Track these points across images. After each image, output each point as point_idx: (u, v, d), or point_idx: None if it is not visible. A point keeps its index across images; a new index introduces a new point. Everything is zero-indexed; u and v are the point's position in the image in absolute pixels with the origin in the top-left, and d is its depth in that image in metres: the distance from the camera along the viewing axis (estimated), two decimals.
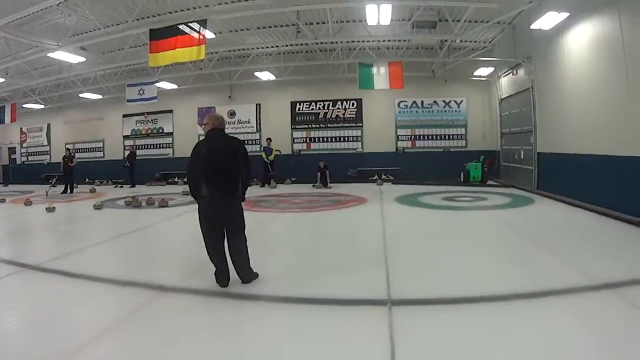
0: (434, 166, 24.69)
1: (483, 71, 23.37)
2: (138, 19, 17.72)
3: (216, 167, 7.09)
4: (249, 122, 28.77)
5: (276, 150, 24.83)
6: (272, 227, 12.86)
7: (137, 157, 28.41)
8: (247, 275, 7.37)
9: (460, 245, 9.85)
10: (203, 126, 7.73)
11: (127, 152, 29.22)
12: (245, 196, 7.53)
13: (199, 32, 15.34)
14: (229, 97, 28.77)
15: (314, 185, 22.72)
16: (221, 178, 7.13)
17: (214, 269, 7.28)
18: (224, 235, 7.28)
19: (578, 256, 8.31)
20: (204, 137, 7.64)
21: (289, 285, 7.30)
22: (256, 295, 6.87)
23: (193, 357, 5.04)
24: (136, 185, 27.08)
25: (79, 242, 11.87)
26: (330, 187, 22.23)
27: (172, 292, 7.11)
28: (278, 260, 9.11)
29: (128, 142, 31.91)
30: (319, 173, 22.80)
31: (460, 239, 10.49)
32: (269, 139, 24.86)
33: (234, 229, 7.32)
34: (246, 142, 26.89)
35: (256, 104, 28.57)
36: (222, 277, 7.21)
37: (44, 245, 12.09)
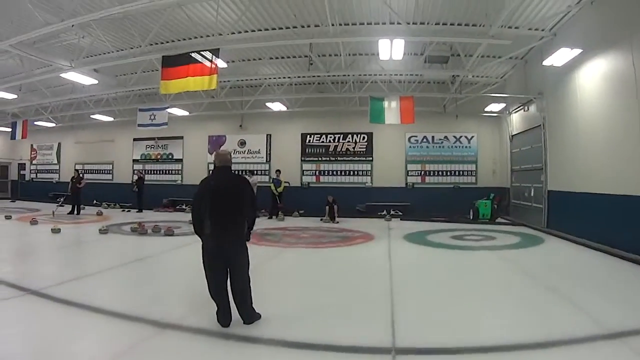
0: (443, 202, 24.43)
1: (494, 107, 23.18)
2: (151, 44, 17.85)
3: (220, 206, 7.08)
4: (259, 152, 28.73)
5: (285, 182, 24.81)
6: (277, 263, 12.65)
7: (145, 182, 28.34)
8: (250, 316, 7.23)
9: (469, 289, 9.62)
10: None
11: (135, 177, 29.04)
12: (251, 234, 7.54)
13: (211, 61, 15.24)
14: (240, 126, 28.85)
15: (321, 219, 22.54)
16: (225, 217, 7.09)
17: (216, 307, 7.16)
18: (227, 274, 7.18)
19: (590, 301, 8.12)
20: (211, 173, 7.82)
21: (291, 327, 7.10)
22: (257, 338, 6.68)
23: None
24: (143, 210, 27.00)
25: (82, 268, 11.77)
26: (338, 222, 22.00)
27: (172, 330, 6.97)
28: (281, 299, 8.89)
29: (137, 166, 32.00)
30: (327, 207, 22.60)
31: (469, 282, 10.22)
32: (278, 171, 24.86)
33: (237, 268, 7.21)
34: (255, 172, 27.15)
35: (267, 134, 28.57)
36: (223, 317, 7.09)
37: (46, 269, 11.95)
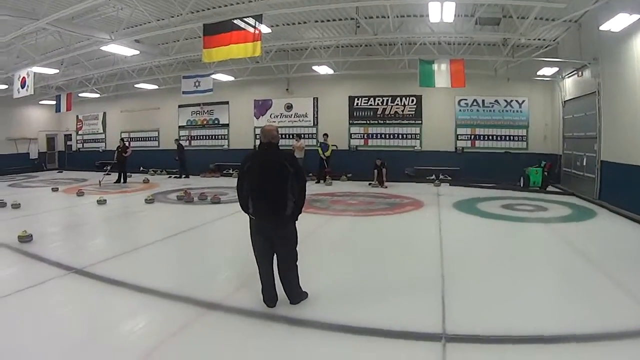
0: (493, 168, 23.86)
1: (547, 71, 22.18)
2: (192, 12, 17.51)
3: (263, 186, 6.80)
4: (306, 116, 28.54)
5: (333, 146, 24.55)
6: (325, 233, 12.39)
7: (191, 148, 29.06)
8: (296, 295, 7.10)
9: (521, 268, 9.20)
10: None
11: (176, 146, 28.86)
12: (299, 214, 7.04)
13: (254, 28, 14.86)
14: (287, 89, 28.63)
15: (370, 184, 22.25)
16: (268, 197, 6.81)
17: (261, 286, 7.07)
18: (272, 254, 7.00)
19: None
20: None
21: (338, 308, 6.88)
22: (302, 320, 6.51)
23: None
24: (189, 176, 27.47)
25: (126, 242, 11.75)
26: (386, 187, 21.67)
27: (217, 311, 6.87)
28: (328, 275, 8.70)
29: (183, 133, 32.41)
30: (375, 171, 22.28)
31: (522, 261, 9.78)
32: (325, 135, 24.72)
33: (282, 249, 6.99)
34: (302, 136, 26.72)
35: (313, 98, 28.31)
36: (269, 298, 6.99)
37: (90, 245, 12.06)
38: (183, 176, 27.46)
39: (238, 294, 7.49)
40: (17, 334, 6.09)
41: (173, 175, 28.31)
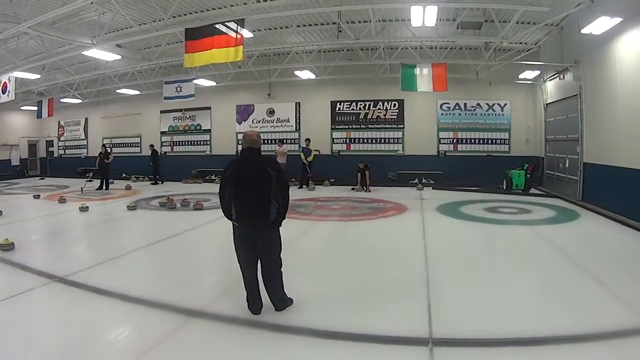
0: (476, 171, 23.99)
1: (528, 74, 22.37)
2: (174, 16, 17.41)
3: (245, 192, 6.78)
4: (288, 121, 28.46)
5: (315, 151, 24.47)
6: (308, 238, 12.35)
7: (173, 154, 29.19)
8: (281, 302, 7.04)
9: (505, 270, 9.27)
10: None
11: (150, 151, 28.93)
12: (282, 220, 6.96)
13: (236, 32, 14.78)
14: (268, 95, 28.54)
15: (353, 189, 22.24)
16: (251, 204, 6.77)
17: (246, 293, 7.00)
18: (256, 261, 6.91)
19: (629, 288, 7.65)
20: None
21: (324, 314, 6.84)
22: (287, 327, 6.45)
23: None
24: (164, 182, 27.61)
25: (109, 250, 11.61)
26: (370, 191, 21.67)
27: (201, 319, 6.77)
28: (313, 281, 8.65)
29: (166, 138, 32.37)
30: (358, 174, 22.28)
31: (507, 263, 9.82)
32: (307, 140, 24.61)
33: (266, 255, 6.94)
34: (285, 141, 26.59)
35: (296, 103, 28.26)
36: (254, 305, 6.91)
37: (73, 252, 11.95)
38: (159, 182, 27.41)
39: (222, 301, 7.41)
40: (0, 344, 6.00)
41: (152, 182, 28.16)
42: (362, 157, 24.60)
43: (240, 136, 28.25)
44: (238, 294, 7.05)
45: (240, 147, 26.78)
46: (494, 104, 25.40)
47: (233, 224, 6.87)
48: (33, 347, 5.98)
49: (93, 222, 15.87)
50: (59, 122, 36.99)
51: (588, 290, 7.74)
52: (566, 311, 6.76)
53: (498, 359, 5.48)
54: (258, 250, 6.85)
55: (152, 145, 29.43)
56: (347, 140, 27.37)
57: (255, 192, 6.74)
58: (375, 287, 8.26)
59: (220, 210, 6.98)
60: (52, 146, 38.22)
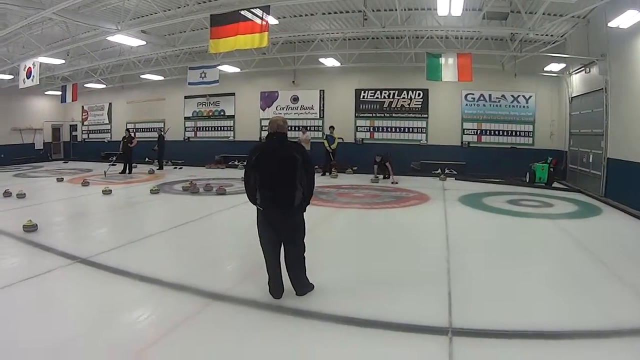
0: (499, 163, 23.81)
1: (554, 67, 21.96)
2: (199, 3, 17.46)
3: (270, 177, 6.74)
4: (313, 108, 28.44)
5: (339, 139, 24.46)
6: (331, 225, 12.37)
7: (197, 139, 29.58)
8: (302, 287, 7.07)
9: (526, 263, 9.17)
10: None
11: (157, 136, 29.29)
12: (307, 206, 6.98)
13: (261, 19, 14.77)
14: (293, 82, 28.54)
15: (372, 180, 21.55)
16: (276, 189, 6.74)
17: (268, 277, 7.00)
18: (279, 246, 6.94)
19: None
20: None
21: (343, 300, 6.86)
22: (308, 311, 6.49)
23: None
24: (164, 168, 27.62)
25: (132, 232, 11.79)
26: (397, 183, 20.87)
27: (222, 302, 6.85)
28: (335, 267, 8.70)
29: (189, 124, 32.61)
30: (375, 167, 22.07)
31: (527, 255, 9.77)
32: (331, 127, 24.64)
33: (291, 240, 6.94)
34: (308, 128, 26.60)
35: (320, 90, 28.19)
36: (276, 289, 6.93)
37: (95, 234, 12.06)
38: (157, 168, 27.31)
39: (243, 284, 7.46)
40: (21, 323, 6.10)
41: (178, 167, 28.47)
42: (386, 145, 24.84)
43: (264, 122, 28.41)
44: (259, 277, 7.10)
45: (264, 133, 26.96)
46: (519, 96, 25.10)
47: (257, 208, 6.85)
48: (55, 325, 6.09)
49: (116, 205, 16.01)
50: (82, 106, 37.30)
51: (609, 286, 7.65)
52: (588, 306, 6.73)
53: (518, 351, 5.39)
54: (282, 236, 6.85)
55: (160, 129, 30.22)
56: (371, 128, 27.27)
57: (281, 177, 6.70)
58: (396, 274, 8.27)
59: (244, 195, 7.01)
60: (76, 130, 38.59)
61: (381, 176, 21.96)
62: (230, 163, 28.78)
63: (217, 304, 6.75)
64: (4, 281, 7.66)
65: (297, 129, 26.58)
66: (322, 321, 6.24)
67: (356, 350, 5.47)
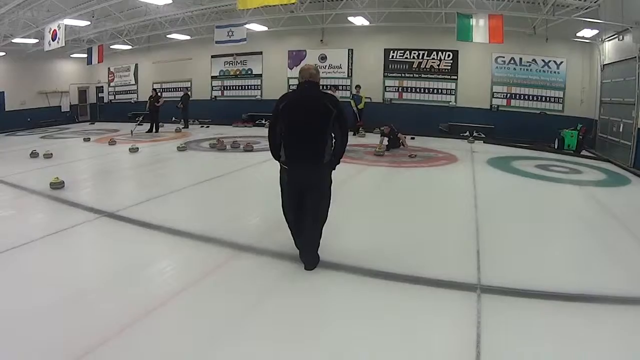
0: (527, 128, 23.51)
1: (586, 33, 21.56)
2: None
3: (298, 128, 6.24)
4: (341, 67, 28.25)
5: (366, 98, 24.49)
6: (358, 182, 12.54)
7: (224, 98, 30.03)
8: (313, 259, 6.58)
9: (554, 226, 9.25)
10: None
11: (182, 94, 29.70)
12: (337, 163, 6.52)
13: None
14: (321, 40, 28.29)
15: (376, 152, 17.93)
16: (304, 142, 6.27)
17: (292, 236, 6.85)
18: (302, 209, 6.55)
19: None
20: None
21: (371, 256, 6.93)
22: (334, 263, 6.59)
23: (269, 328, 4.95)
24: (189, 127, 27.94)
25: (158, 188, 12.05)
26: (414, 156, 17.38)
27: (248, 253, 7.01)
28: (363, 222, 8.96)
29: (216, 83, 32.52)
30: (382, 138, 18.96)
31: (554, 219, 9.82)
32: (358, 87, 24.60)
33: (315, 205, 6.48)
34: (337, 87, 26.64)
35: (348, 49, 27.94)
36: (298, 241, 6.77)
37: (122, 191, 12.53)
38: (182, 127, 27.58)
39: (268, 237, 7.62)
40: (50, 273, 6.40)
41: (205, 125, 28.82)
42: (413, 106, 25.14)
43: (292, 82, 28.44)
44: (285, 231, 7.00)
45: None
46: (550, 61, 24.59)
47: (282, 166, 6.45)
48: (83, 275, 6.39)
49: (142, 162, 16.25)
50: (109, 68, 37.34)
51: (637, 254, 7.61)
52: (614, 272, 6.75)
53: (545, 311, 5.46)
54: (306, 198, 6.44)
55: (187, 88, 31.01)
56: (400, 89, 26.94)
57: (310, 129, 6.24)
58: (425, 231, 8.45)
59: (270, 151, 6.59)
60: (102, 92, 38.70)
61: (385, 147, 18.55)
62: (257, 122, 28.73)
63: (244, 255, 6.93)
64: (32, 235, 7.92)
65: (326, 88, 25.98)
66: (350, 273, 6.39)
67: (385, 302, 5.61)
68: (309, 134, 6.24)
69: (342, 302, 5.64)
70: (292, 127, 6.25)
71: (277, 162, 6.50)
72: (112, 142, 20.62)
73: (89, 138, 23.12)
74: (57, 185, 11.66)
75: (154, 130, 25.84)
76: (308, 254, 6.56)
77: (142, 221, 8.76)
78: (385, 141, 18.89)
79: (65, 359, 4.37)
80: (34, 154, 17.16)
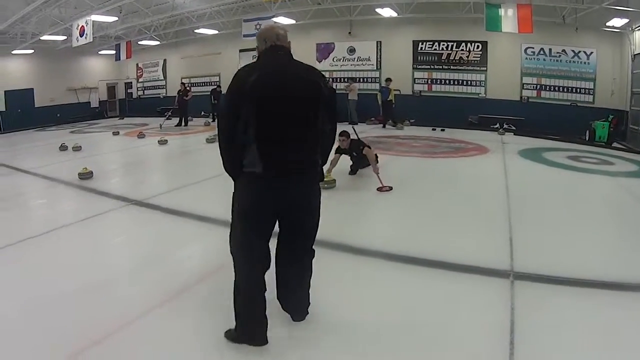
0: (558, 120, 23.19)
1: (616, 22, 21.16)
2: None
3: (279, 122, 4.01)
4: (369, 59, 28.11)
5: (395, 90, 24.33)
6: (389, 171, 12.34)
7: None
8: (304, 309, 4.80)
9: (586, 216, 9.08)
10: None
11: (217, 88, 29.69)
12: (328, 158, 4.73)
13: None
14: (349, 33, 28.21)
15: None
16: (290, 141, 4.09)
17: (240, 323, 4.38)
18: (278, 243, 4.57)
19: None
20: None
21: (403, 243, 7.03)
22: (365, 250, 6.70)
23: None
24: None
25: (187, 177, 12.33)
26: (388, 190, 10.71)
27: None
28: (395, 209, 9.04)
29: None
30: (339, 156, 11.56)
31: (587, 209, 9.66)
32: (388, 80, 24.35)
33: (305, 226, 4.49)
34: (358, 79, 27.08)
35: (377, 42, 27.81)
36: (263, 333, 4.32)
37: (151, 180, 12.96)
38: (211, 120, 27.56)
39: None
40: (81, 257, 6.65)
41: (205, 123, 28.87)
42: (443, 98, 25.11)
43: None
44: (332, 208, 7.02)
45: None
46: (580, 52, 24.22)
47: (248, 182, 4.13)
48: (112, 259, 6.72)
49: (171, 154, 16.52)
50: (137, 64, 37.98)
51: None
52: None
53: (579, 299, 5.44)
54: (284, 226, 4.47)
55: (216, 84, 30.79)
56: (429, 80, 26.83)
57: (300, 121, 4.13)
58: (457, 219, 8.47)
59: None
60: (131, 87, 39.35)
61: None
62: None
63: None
64: (61, 222, 8.32)
65: (343, 80, 27.20)
66: (384, 260, 6.45)
67: (420, 287, 5.70)
68: (297, 128, 4.12)
69: (377, 288, 5.65)
70: (271, 120, 3.99)
71: (233, 178, 4.33)
72: (141, 136, 20.91)
73: (118, 132, 23.52)
74: (86, 175, 11.97)
75: (182, 124, 26.20)
76: (303, 308, 4.81)
77: (170, 208, 8.99)
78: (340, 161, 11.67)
79: (99, 335, 4.53)
80: (63, 147, 17.48)
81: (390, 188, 10.28)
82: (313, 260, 4.68)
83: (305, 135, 4.15)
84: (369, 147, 11.48)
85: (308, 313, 4.79)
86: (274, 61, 4.26)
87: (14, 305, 5.27)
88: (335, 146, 8.08)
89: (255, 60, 4.44)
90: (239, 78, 4.11)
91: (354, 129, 12.97)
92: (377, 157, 11.43)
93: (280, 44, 4.30)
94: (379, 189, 10.24)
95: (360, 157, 11.55)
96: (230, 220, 4.34)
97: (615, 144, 20.25)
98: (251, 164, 4.00)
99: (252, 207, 4.14)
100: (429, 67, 26.77)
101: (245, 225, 4.20)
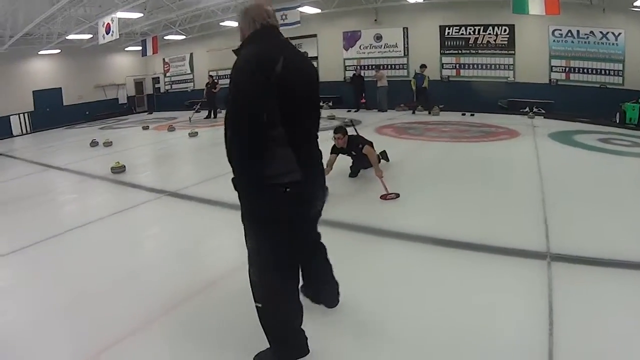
0: (587, 102, 22.92)
1: None
2: None
3: (304, 113, 3.69)
4: (396, 46, 28.00)
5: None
6: (420, 156, 12.61)
7: None
8: (336, 294, 4.75)
9: (620, 198, 9.00)
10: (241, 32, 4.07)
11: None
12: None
13: None
14: (375, 20, 28.05)
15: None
16: (313, 135, 3.90)
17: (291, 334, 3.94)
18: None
19: None
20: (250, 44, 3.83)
21: (437, 226, 7.14)
22: (400, 233, 6.82)
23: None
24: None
25: (220, 168, 12.05)
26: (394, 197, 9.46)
27: None
28: (429, 193, 9.21)
29: None
30: (336, 156, 10.30)
31: (620, 191, 9.57)
32: (423, 66, 24.15)
33: (317, 221, 4.39)
34: (382, 67, 27.00)
35: (403, 28, 27.64)
36: (304, 341, 3.95)
37: (183, 172, 13.24)
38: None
39: (332, 210, 7.30)
40: (119, 246, 7.05)
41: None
42: (471, 83, 25.04)
43: (348, 63, 28.99)
44: (344, 202, 7.43)
45: (349, 73, 28.27)
46: (608, 33, 23.85)
47: (284, 187, 3.51)
48: (148, 248, 7.12)
49: (202, 146, 16.69)
50: (163, 59, 38.38)
51: None
52: None
53: (618, 280, 5.43)
54: (307, 233, 4.30)
55: None
56: (457, 65, 26.70)
57: (317, 112, 3.98)
58: (491, 201, 8.57)
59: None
60: (159, 82, 39.78)
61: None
62: None
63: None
64: (97, 214, 8.67)
65: (384, 67, 27.10)
66: (420, 243, 6.60)
67: (457, 269, 5.79)
68: (316, 120, 3.96)
69: (414, 269, 5.79)
70: (298, 111, 3.57)
71: (254, 184, 3.68)
72: (171, 129, 21.18)
73: (148, 126, 23.88)
74: (119, 169, 12.27)
75: (212, 116, 26.68)
76: (336, 292, 4.75)
77: (204, 198, 9.27)
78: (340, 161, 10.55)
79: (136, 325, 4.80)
80: (94, 143, 17.80)
81: (397, 195, 8.93)
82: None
83: (317, 128, 3.95)
84: (371, 145, 10.19)
85: (340, 294, 4.72)
86: (282, 44, 3.83)
87: (63, 296, 5.51)
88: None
89: (250, 44, 3.79)
90: (261, 61, 3.40)
91: (352, 123, 12.09)
92: (379, 157, 10.65)
93: (273, 23, 3.93)
94: (383, 197, 8.93)
95: (361, 156, 10.11)
96: (248, 244, 3.78)
97: None
98: (282, 172, 3.47)
99: (277, 218, 3.53)
100: (456, 52, 26.61)
101: (279, 240, 3.61)
